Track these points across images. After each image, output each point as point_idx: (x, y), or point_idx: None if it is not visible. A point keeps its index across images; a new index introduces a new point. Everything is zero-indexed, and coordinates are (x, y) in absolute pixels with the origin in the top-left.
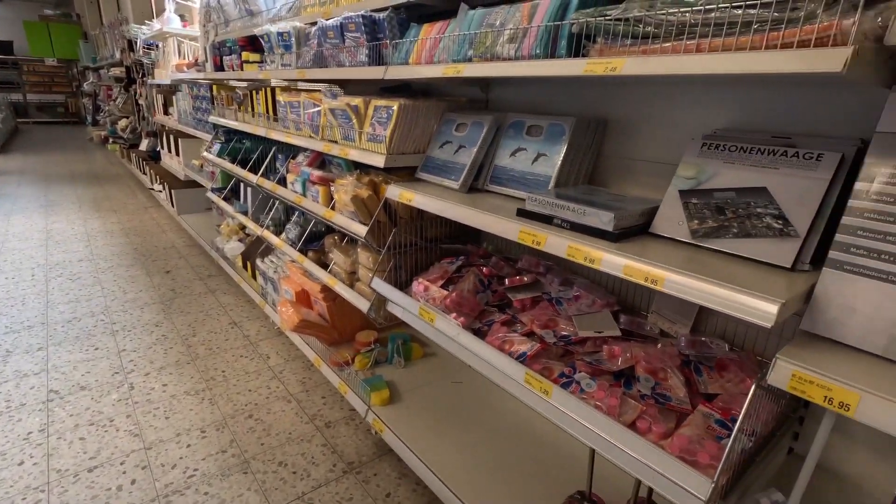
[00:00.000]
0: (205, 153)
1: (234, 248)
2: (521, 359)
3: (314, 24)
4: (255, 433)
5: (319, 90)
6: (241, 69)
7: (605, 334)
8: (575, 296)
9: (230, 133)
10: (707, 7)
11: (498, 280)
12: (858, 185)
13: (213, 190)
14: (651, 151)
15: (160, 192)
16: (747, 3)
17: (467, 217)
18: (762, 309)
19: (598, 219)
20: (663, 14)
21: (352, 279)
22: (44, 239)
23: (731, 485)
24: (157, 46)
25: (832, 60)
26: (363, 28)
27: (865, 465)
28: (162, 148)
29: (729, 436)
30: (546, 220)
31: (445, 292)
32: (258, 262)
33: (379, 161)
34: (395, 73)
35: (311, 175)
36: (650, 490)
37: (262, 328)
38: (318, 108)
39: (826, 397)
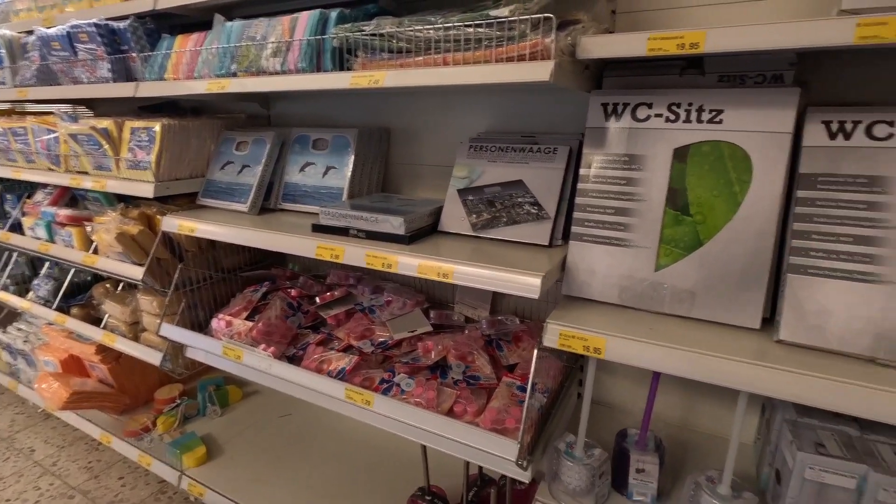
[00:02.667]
0: None
1: None
2: (341, 375)
3: (30, 32)
4: None
5: (53, 112)
6: None
7: (419, 332)
8: (387, 301)
9: None
10: (445, 25)
11: (309, 300)
12: (582, 171)
13: None
14: (432, 156)
15: None
16: (476, 22)
17: (261, 240)
18: (529, 283)
19: (390, 224)
20: (411, 31)
21: (135, 331)
22: None
23: (536, 439)
24: None
25: (541, 72)
26: (99, 39)
27: (628, 393)
28: None
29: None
30: (342, 232)
31: (251, 323)
32: None
33: (147, 191)
34: (150, 89)
35: (57, 216)
36: (480, 466)
37: (17, 416)
38: (56, 135)
39: (584, 346)
